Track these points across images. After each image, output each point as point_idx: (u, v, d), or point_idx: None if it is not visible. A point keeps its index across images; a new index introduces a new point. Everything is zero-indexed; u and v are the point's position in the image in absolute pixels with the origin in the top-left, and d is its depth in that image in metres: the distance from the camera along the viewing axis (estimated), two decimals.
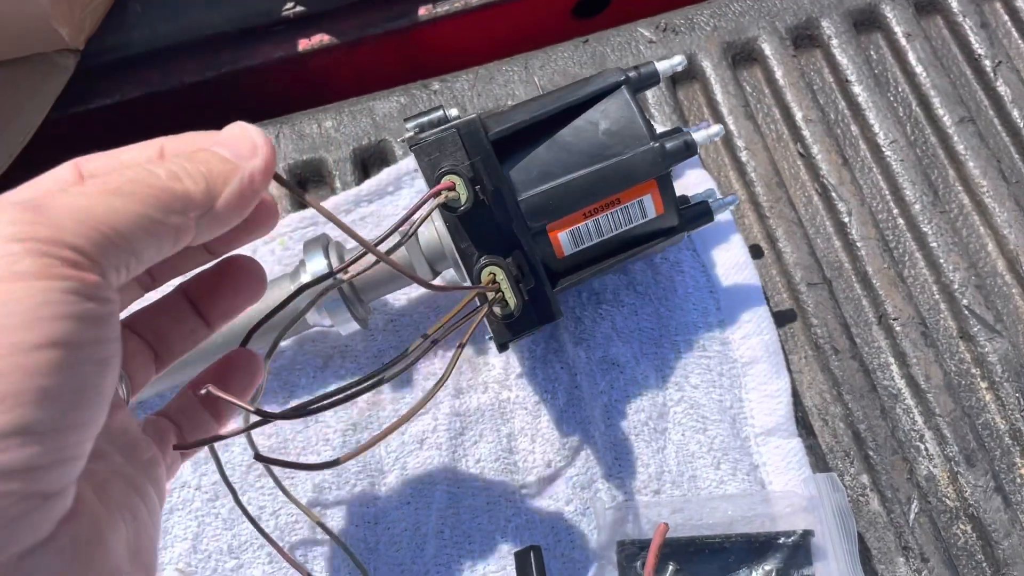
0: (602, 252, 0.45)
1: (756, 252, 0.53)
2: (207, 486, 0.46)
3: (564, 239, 0.43)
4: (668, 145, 0.42)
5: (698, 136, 0.43)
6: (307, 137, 0.56)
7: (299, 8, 0.64)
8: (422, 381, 0.49)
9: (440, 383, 0.35)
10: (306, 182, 0.55)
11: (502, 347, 0.43)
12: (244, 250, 0.32)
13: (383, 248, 0.33)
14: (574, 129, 0.43)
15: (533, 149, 0.43)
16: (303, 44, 0.64)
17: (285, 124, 0.57)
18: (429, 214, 0.37)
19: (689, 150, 0.42)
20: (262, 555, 0.45)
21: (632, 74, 0.44)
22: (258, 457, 0.33)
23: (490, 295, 0.40)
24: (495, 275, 0.40)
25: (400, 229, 0.35)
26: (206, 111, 0.64)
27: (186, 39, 0.63)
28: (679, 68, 0.45)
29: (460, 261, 0.41)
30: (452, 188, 0.38)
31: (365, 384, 0.32)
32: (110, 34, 0.62)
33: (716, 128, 0.44)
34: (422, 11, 0.64)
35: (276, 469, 0.44)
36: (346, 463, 0.34)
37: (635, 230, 0.44)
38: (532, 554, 0.42)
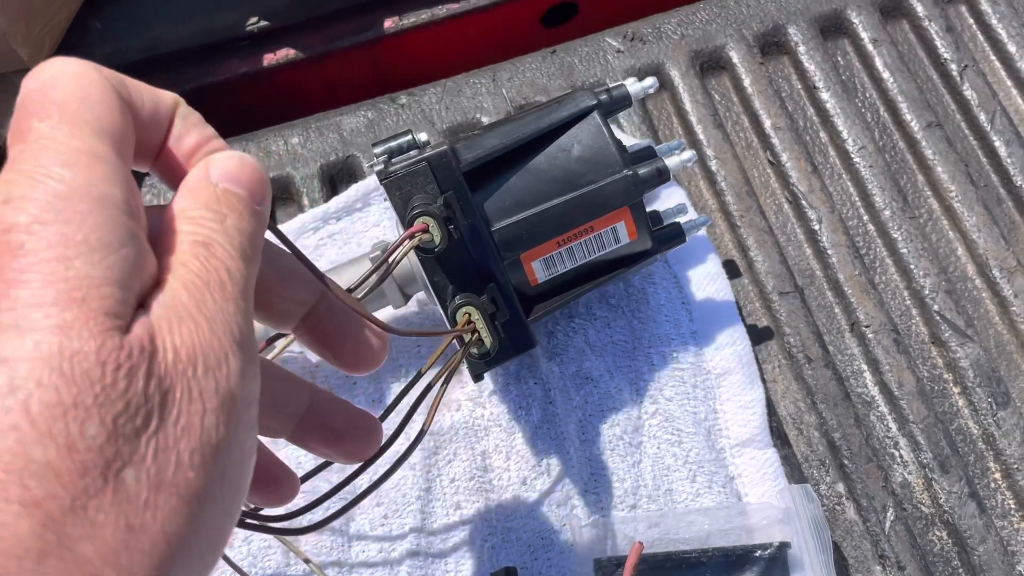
0: (576, 277, 0.44)
1: (731, 268, 0.53)
2: None
3: (537, 267, 0.43)
4: (641, 172, 0.42)
5: (671, 162, 0.43)
6: (273, 154, 0.55)
7: (263, 22, 0.63)
8: (390, 383, 0.48)
9: (419, 438, 0.36)
10: (273, 200, 0.55)
11: (477, 378, 0.43)
12: None
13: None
14: (546, 157, 0.42)
15: (505, 177, 0.42)
16: (268, 59, 0.63)
17: (251, 141, 0.56)
18: (403, 257, 0.36)
19: (662, 177, 0.42)
20: None
21: (604, 97, 0.43)
22: (241, 524, 0.34)
23: (466, 337, 0.39)
24: (470, 315, 0.39)
25: (376, 274, 0.36)
26: None
27: (149, 56, 0.62)
28: (651, 91, 0.45)
29: (433, 292, 0.41)
30: (426, 230, 0.37)
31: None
32: (70, 52, 0.61)
33: (689, 154, 0.44)
34: (388, 23, 0.64)
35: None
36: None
37: (608, 255, 0.44)
38: None
